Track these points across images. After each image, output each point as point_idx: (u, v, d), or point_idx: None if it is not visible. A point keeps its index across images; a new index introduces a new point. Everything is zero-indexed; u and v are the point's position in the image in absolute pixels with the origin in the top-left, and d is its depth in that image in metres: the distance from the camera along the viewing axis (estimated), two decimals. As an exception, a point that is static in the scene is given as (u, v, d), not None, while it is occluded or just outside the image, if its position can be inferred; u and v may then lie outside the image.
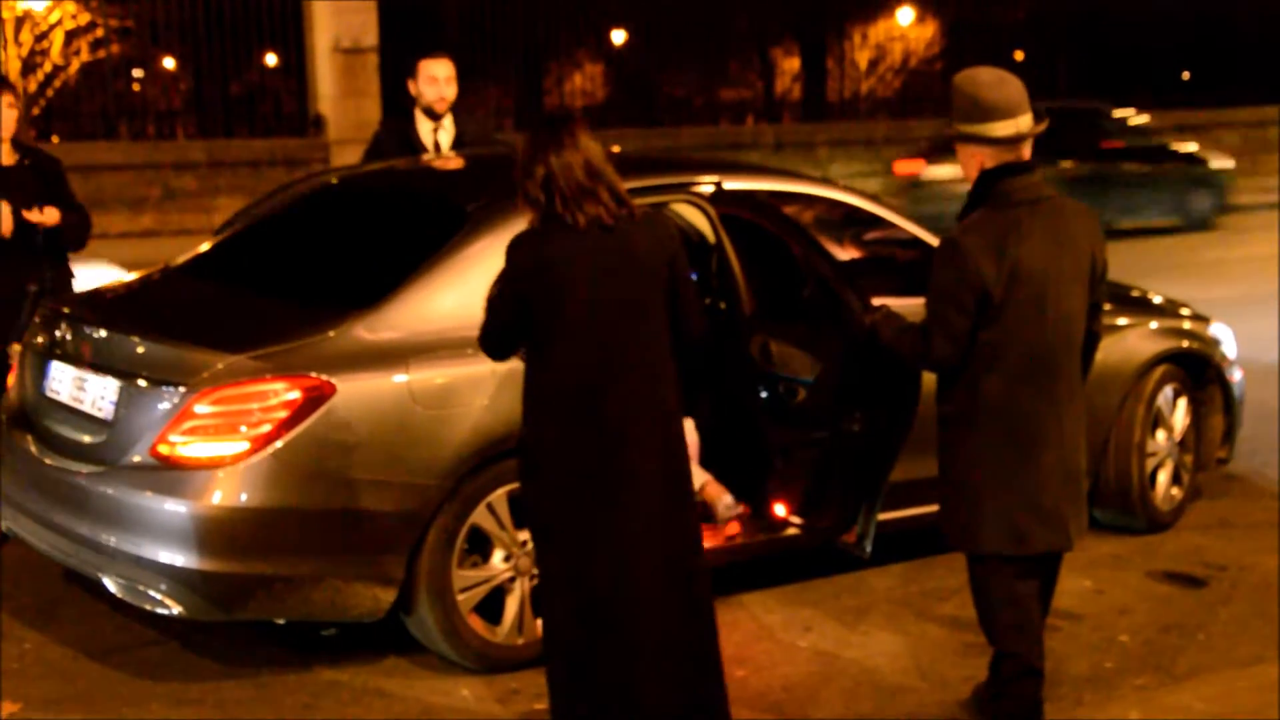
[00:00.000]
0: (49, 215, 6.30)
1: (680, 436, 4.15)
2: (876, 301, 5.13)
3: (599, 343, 4.00)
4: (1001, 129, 4.30)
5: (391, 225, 5.74)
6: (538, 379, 4.06)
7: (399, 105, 19.95)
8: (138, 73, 27.29)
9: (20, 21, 25.39)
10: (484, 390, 4.91)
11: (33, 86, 26.19)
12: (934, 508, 4.60)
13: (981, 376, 4.29)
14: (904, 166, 18.89)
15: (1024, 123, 4.33)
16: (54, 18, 25.65)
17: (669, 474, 4.10)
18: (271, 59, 22.01)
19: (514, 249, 4.03)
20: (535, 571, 4.49)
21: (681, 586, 4.10)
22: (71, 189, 6.65)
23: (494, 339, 4.12)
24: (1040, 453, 4.30)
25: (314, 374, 4.79)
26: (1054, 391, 4.31)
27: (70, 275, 6.64)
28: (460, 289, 4.93)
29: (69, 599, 5.69)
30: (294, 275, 5.66)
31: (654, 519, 4.04)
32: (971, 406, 4.32)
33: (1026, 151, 4.37)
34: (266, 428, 4.73)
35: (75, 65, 26.00)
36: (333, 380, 4.78)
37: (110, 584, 4.96)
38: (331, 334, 4.93)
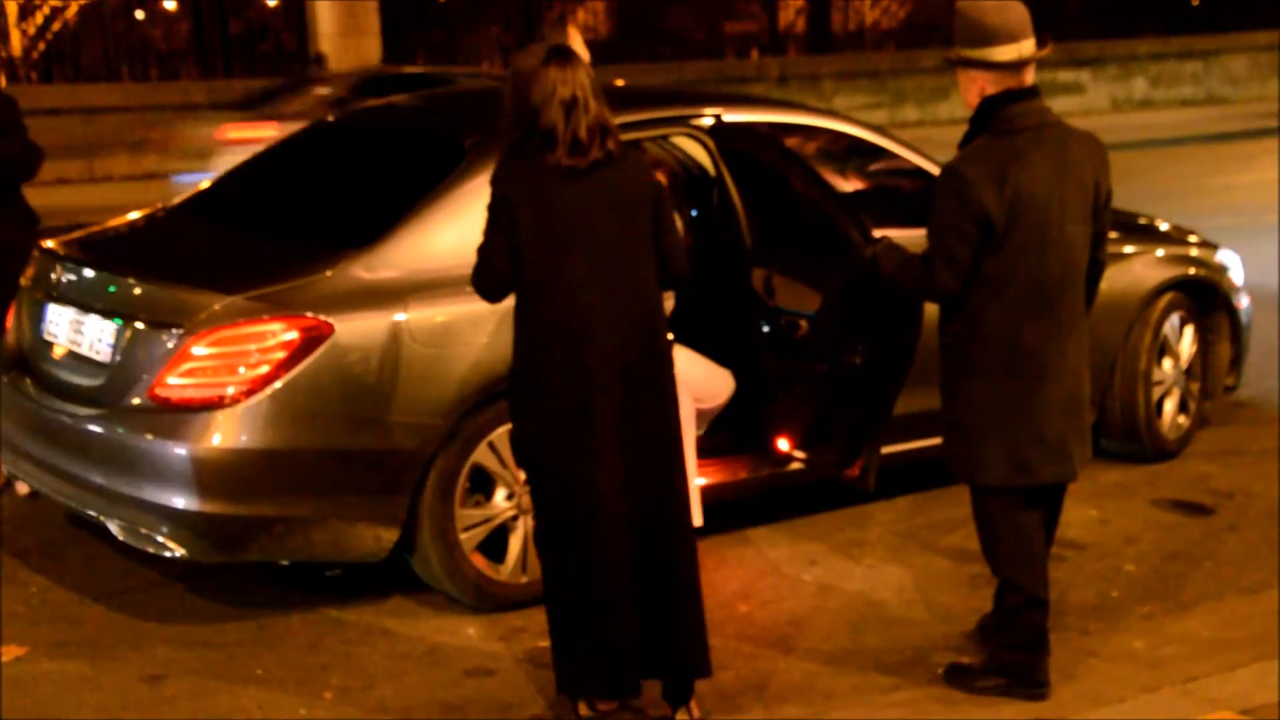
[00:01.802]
0: None
1: (669, 373, 4.18)
2: (879, 233, 5.10)
3: (592, 280, 3.99)
4: (1003, 53, 4.26)
5: (389, 162, 5.71)
6: (528, 315, 4.05)
7: (400, 43, 19.95)
8: (138, 14, 27.21)
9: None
10: (484, 328, 4.89)
11: (31, 30, 26.10)
12: (937, 440, 4.59)
13: (983, 307, 4.26)
14: None
15: (1026, 47, 4.28)
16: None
17: (657, 410, 4.11)
18: (271, -2, 21.89)
19: (505, 183, 4.01)
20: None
21: (663, 519, 4.15)
22: (22, 127, 6.44)
23: (487, 278, 4.11)
24: (1043, 383, 4.28)
25: (311, 314, 4.77)
26: (1057, 321, 4.28)
27: (20, 207, 6.53)
28: (459, 226, 4.89)
29: (73, 542, 5.70)
30: (291, 214, 5.65)
31: (641, 455, 4.08)
32: (973, 337, 4.30)
33: (1029, 77, 4.32)
34: (265, 368, 4.72)
35: (74, 7, 25.86)
36: (331, 320, 4.76)
37: (113, 527, 4.97)
38: (329, 273, 4.91)
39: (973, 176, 4.19)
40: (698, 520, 4.92)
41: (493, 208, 4.03)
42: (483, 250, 4.07)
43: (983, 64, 4.28)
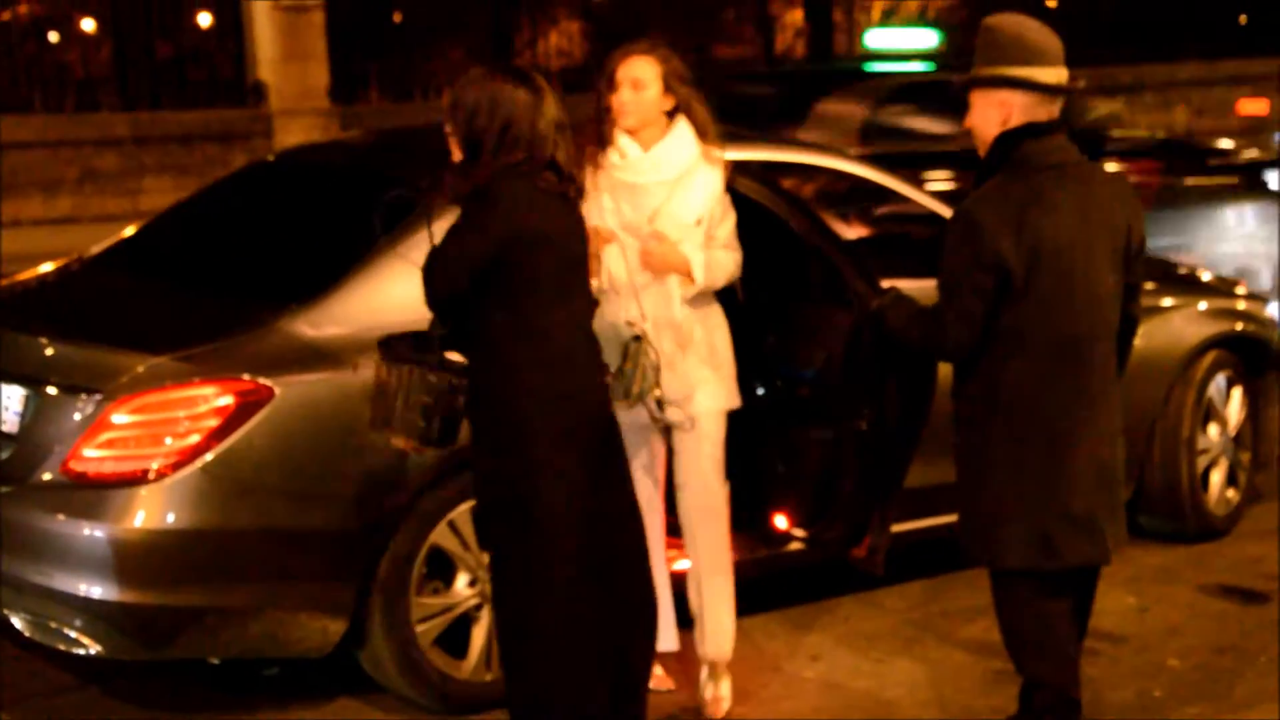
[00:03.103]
0: None
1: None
2: (887, 284, 5.14)
3: (578, 313, 4.27)
4: (1047, 75, 4.27)
5: (335, 207, 5.73)
6: (518, 347, 4.17)
7: (348, 71, 20.00)
8: (51, 36, 27.23)
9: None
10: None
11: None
12: (954, 517, 4.60)
13: (1003, 367, 4.27)
14: (1249, 106, 18.30)
15: (1065, 74, 4.32)
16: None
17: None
18: (205, 19, 21.95)
19: (502, 214, 4.11)
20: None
21: None
22: None
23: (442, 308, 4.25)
24: (1071, 452, 4.28)
25: (248, 376, 4.78)
26: (1086, 383, 4.29)
27: None
28: (413, 277, 4.92)
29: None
30: (225, 266, 5.67)
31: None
32: (992, 401, 4.31)
33: (1055, 111, 4.34)
34: (195, 438, 4.73)
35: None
36: (270, 383, 4.77)
37: (17, 621, 4.95)
38: (268, 331, 4.93)
39: (987, 221, 4.20)
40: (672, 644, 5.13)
41: (528, 242, 4.12)
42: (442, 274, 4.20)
43: (1025, 84, 4.27)
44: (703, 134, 4.97)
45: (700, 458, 5.02)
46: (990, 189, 4.29)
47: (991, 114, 4.34)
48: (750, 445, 5.68)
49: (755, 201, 5.78)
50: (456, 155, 4.26)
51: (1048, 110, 4.31)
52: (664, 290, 4.89)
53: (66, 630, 4.82)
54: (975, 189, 4.35)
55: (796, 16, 32.82)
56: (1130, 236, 4.37)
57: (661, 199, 4.90)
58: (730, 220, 5.07)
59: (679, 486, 5.07)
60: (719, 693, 5.06)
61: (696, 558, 5.06)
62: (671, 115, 4.95)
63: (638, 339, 4.69)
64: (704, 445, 5.01)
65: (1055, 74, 4.29)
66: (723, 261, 5.01)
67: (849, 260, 5.40)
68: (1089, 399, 4.30)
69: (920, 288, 4.79)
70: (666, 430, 5.01)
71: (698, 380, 4.96)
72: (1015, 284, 4.19)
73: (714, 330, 5.07)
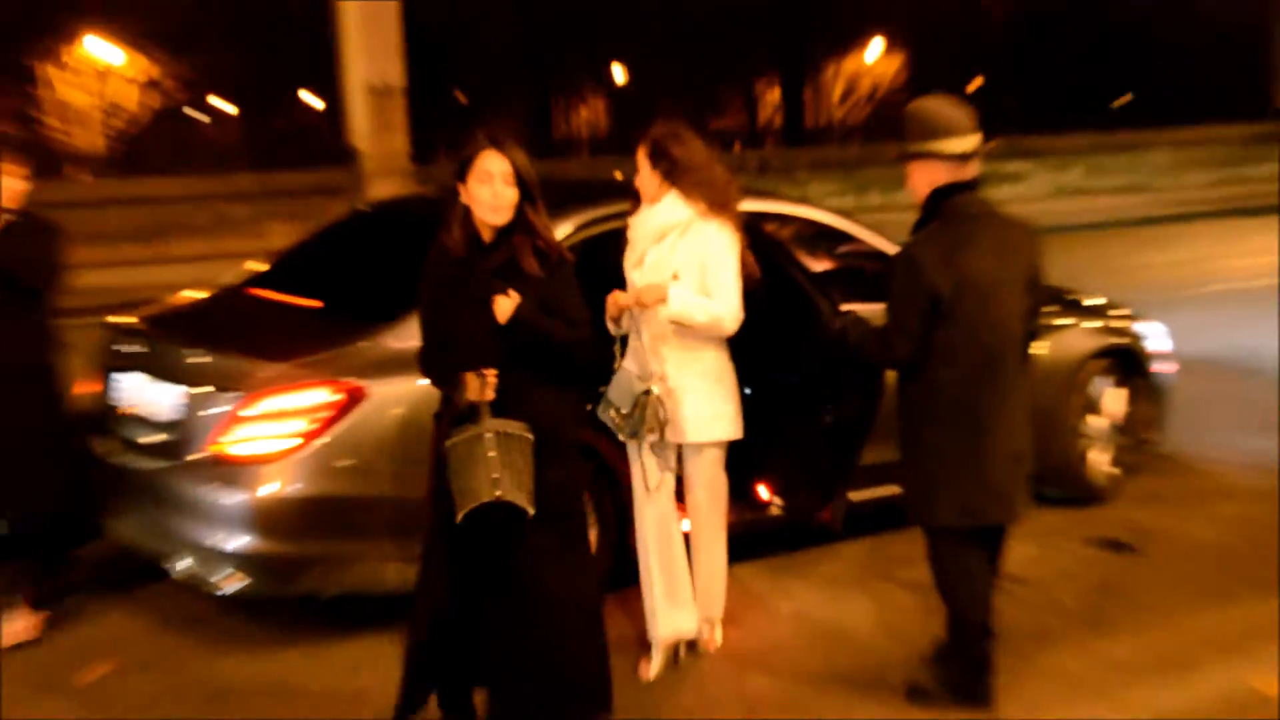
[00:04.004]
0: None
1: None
2: (845, 308, 5.14)
3: None
4: (956, 145, 4.28)
5: (413, 246, 5.74)
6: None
7: (423, 139, 20.08)
8: (198, 115, 27.43)
9: (103, 75, 25.61)
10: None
11: (110, 131, 26.40)
12: (897, 488, 4.62)
13: (936, 373, 4.28)
14: None
15: (975, 141, 4.32)
16: (130, 72, 25.87)
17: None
18: (314, 100, 21.99)
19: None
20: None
21: None
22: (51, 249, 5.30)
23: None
24: (988, 438, 4.29)
25: (350, 379, 4.83)
26: (1000, 383, 4.30)
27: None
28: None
29: (151, 579, 5.65)
30: (331, 292, 5.70)
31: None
32: (928, 398, 4.33)
33: (973, 171, 4.34)
34: (310, 426, 4.79)
35: (146, 111, 26.16)
36: (365, 384, 4.82)
37: (181, 566, 5.00)
38: (364, 343, 4.98)
39: (925, 259, 4.22)
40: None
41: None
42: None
43: (938, 155, 4.28)
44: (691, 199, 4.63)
45: (698, 473, 4.80)
46: (926, 234, 4.30)
47: (921, 179, 4.35)
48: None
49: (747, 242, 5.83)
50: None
51: (967, 171, 4.31)
52: (654, 315, 4.67)
53: (217, 573, 4.87)
54: (914, 234, 4.36)
55: (775, 95, 32.80)
56: (1031, 270, 4.38)
57: (643, 250, 4.72)
58: (712, 278, 4.60)
59: (686, 490, 4.86)
60: (713, 635, 5.03)
61: (696, 543, 4.91)
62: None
63: (648, 392, 4.53)
64: (702, 465, 4.79)
65: (967, 143, 4.29)
66: (700, 302, 4.58)
67: (816, 288, 5.40)
68: (1001, 397, 4.31)
69: (871, 310, 4.79)
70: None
71: (691, 411, 4.67)
72: (945, 308, 4.20)
73: (715, 367, 4.75)
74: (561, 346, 3.94)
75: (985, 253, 4.25)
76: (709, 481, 4.82)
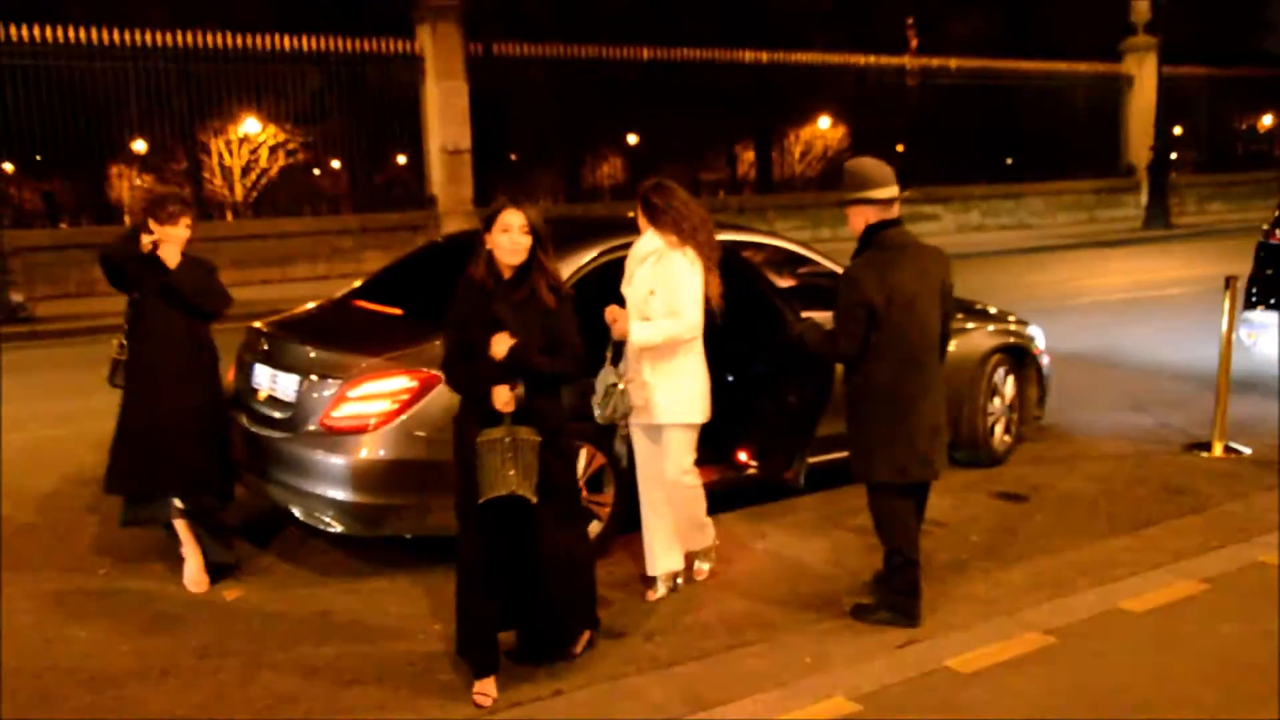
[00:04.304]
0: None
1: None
2: (805, 314, 5.10)
3: None
4: (882, 193, 4.27)
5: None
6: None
7: (484, 187, 20.07)
8: (316, 170, 27.55)
9: (241, 141, 25.96)
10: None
11: (249, 182, 26.71)
12: (845, 453, 4.55)
13: (873, 365, 4.25)
14: None
15: (896, 189, 4.32)
16: (262, 137, 26.12)
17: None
18: (402, 159, 21.94)
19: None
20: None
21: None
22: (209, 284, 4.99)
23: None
24: (914, 415, 4.26)
25: (425, 369, 4.76)
26: (922, 373, 4.27)
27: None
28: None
29: (280, 525, 5.64)
30: (413, 302, 5.62)
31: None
32: (868, 384, 4.29)
33: (896, 211, 4.32)
34: (395, 406, 4.73)
35: (275, 168, 26.35)
36: (436, 373, 4.72)
37: (297, 511, 4.96)
38: (436, 342, 4.89)
39: (862, 278, 4.19)
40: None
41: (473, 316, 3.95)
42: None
43: (870, 200, 4.28)
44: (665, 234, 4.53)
45: (668, 451, 4.64)
46: (863, 259, 4.28)
47: (858, 218, 4.34)
48: (724, 411, 5.63)
49: (729, 263, 5.75)
50: None
51: (890, 212, 4.30)
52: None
53: (324, 517, 4.83)
54: (854, 259, 4.32)
55: (750, 154, 32.76)
56: (944, 285, 4.35)
57: (632, 271, 4.67)
58: (673, 295, 4.49)
59: (664, 460, 4.71)
60: (701, 566, 4.96)
61: (671, 501, 4.73)
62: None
63: (614, 386, 4.44)
64: (670, 441, 4.62)
65: (891, 191, 4.30)
66: (659, 327, 4.48)
67: (781, 300, 5.35)
68: (924, 383, 4.28)
69: (824, 317, 4.74)
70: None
71: (660, 399, 4.55)
72: (879, 316, 4.17)
73: (680, 366, 4.57)
74: (549, 376, 3.88)
75: (909, 273, 4.22)
76: (675, 454, 4.68)
